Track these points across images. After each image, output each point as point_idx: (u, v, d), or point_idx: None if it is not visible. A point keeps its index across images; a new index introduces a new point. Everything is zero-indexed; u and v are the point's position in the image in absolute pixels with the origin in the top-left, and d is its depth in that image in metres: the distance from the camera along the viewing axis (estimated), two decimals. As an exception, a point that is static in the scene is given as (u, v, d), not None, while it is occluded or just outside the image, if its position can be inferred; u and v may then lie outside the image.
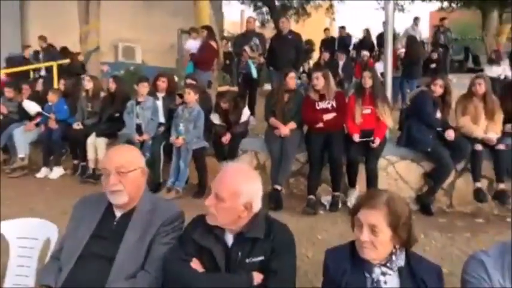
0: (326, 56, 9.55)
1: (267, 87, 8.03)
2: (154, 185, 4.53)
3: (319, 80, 4.14)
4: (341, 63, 8.99)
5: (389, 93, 4.52)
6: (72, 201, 4.28)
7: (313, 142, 4.14)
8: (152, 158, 4.55)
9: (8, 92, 5.88)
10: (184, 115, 4.53)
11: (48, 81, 6.05)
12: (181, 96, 4.86)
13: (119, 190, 1.62)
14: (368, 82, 4.12)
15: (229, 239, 1.52)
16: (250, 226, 1.51)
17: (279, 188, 4.11)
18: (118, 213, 1.70)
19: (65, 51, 9.79)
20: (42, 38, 8.94)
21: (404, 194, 4.19)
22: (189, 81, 4.99)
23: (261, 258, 1.46)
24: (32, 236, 2.04)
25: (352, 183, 4.15)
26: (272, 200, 4.02)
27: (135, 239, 1.62)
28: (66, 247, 1.67)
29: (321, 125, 4.17)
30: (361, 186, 4.17)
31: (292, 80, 4.49)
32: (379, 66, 8.90)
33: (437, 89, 4.07)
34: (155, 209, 1.70)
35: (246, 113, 4.75)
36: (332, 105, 4.17)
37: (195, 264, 1.47)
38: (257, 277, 1.42)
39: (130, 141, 4.63)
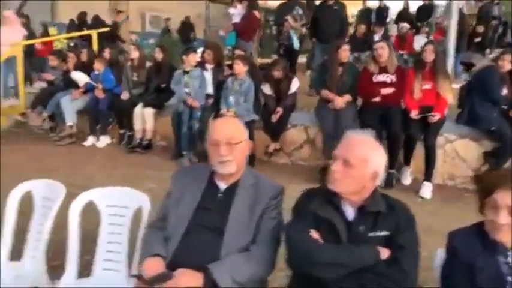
0: (362, 28, 9.18)
1: (301, 59, 7.82)
2: (204, 155, 4.55)
3: (384, 51, 3.98)
4: (377, 36, 8.63)
5: (450, 68, 4.32)
6: (125, 170, 4.35)
7: (369, 117, 4.03)
8: (201, 129, 4.53)
9: (52, 60, 5.90)
10: (235, 87, 4.46)
11: (90, 51, 6.01)
12: (230, 67, 4.76)
13: (229, 160, 1.59)
14: (430, 56, 3.93)
15: (349, 211, 1.48)
16: (371, 200, 1.46)
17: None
18: (222, 186, 1.67)
19: (97, 20, 9.77)
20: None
21: (461, 173, 4.10)
22: (238, 52, 4.88)
23: (385, 233, 1.41)
24: (122, 204, 2.05)
25: (408, 161, 4.06)
26: (324, 175, 3.97)
27: (243, 212, 1.60)
28: (172, 218, 1.66)
29: (377, 99, 4.04)
30: (416, 163, 4.08)
31: (345, 52, 4.33)
32: (418, 40, 8.57)
33: (505, 65, 3.87)
34: (258, 183, 1.68)
35: (295, 83, 4.63)
36: (392, 80, 4.02)
37: (316, 236, 1.44)
38: (384, 252, 1.38)
39: (179, 113, 4.62)
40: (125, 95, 5.11)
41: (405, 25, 9.46)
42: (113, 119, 5.30)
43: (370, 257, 1.37)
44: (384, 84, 4.05)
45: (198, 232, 1.59)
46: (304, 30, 6.42)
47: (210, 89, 4.81)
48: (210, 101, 4.75)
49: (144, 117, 4.89)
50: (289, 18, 6.28)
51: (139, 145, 4.90)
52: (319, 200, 1.50)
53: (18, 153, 4.75)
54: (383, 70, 4.04)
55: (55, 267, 2.21)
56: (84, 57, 5.66)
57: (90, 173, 4.14)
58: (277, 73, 4.46)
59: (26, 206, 2.21)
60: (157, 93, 5.04)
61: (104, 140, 5.18)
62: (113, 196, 2.07)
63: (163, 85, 5.01)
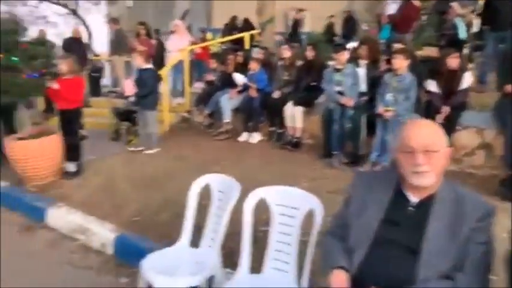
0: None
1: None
2: (353, 156, 4.34)
3: None
4: None
5: None
6: (279, 167, 4.32)
7: None
8: (353, 129, 4.33)
9: (212, 63, 6.49)
10: (393, 84, 4.10)
11: (246, 52, 6.41)
12: (388, 61, 4.41)
13: (426, 171, 1.38)
14: None
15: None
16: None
17: (517, 173, 3.36)
18: (413, 198, 1.47)
19: (247, 23, 10.42)
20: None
21: None
22: (397, 45, 4.49)
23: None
24: (292, 205, 2.04)
25: None
26: (508, 188, 3.31)
27: (442, 232, 1.37)
28: (354, 229, 1.54)
29: None
30: None
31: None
32: None
33: None
34: (460, 198, 1.42)
35: (468, 78, 3.99)
36: None
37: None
38: None
39: (329, 110, 4.51)
40: (276, 94, 5.25)
41: None
42: (265, 117, 5.52)
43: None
44: None
45: (387, 248, 1.43)
46: (473, 16, 5.54)
47: (363, 87, 4.55)
48: (363, 99, 4.49)
49: (294, 116, 4.94)
50: (454, 4, 5.50)
51: (289, 142, 4.98)
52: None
53: (184, 146, 5.36)
54: None
55: (228, 257, 2.37)
56: (240, 59, 6.04)
57: (247, 166, 4.36)
58: (454, 63, 3.89)
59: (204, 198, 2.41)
60: (307, 92, 5.03)
61: (256, 137, 5.44)
62: (285, 196, 2.07)
63: (313, 83, 4.97)
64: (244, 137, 5.50)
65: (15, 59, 4.09)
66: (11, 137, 4.30)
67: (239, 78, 5.73)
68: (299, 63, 5.41)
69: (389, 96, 4.09)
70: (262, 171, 4.13)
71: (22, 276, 2.70)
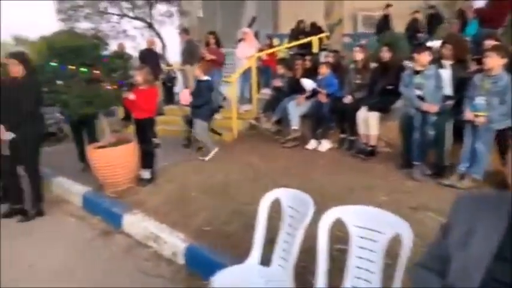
0: None
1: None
2: (437, 168, 3.92)
3: None
4: None
5: None
6: (351, 178, 4.02)
7: None
8: (436, 136, 3.92)
9: (280, 69, 6.40)
10: (485, 86, 3.63)
11: (314, 57, 6.21)
12: (479, 61, 3.93)
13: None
14: None
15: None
16: None
17: None
18: (537, 231, 1.18)
19: (314, 27, 10.20)
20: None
21: None
22: (489, 42, 3.98)
23: None
24: (375, 228, 1.82)
25: None
26: None
27: None
28: (455, 263, 1.29)
29: None
30: None
31: None
32: None
33: None
34: None
35: None
36: None
37: None
38: None
39: (409, 116, 4.13)
40: (347, 99, 4.98)
41: None
42: (335, 123, 5.27)
43: None
44: None
45: (499, 291, 1.17)
46: None
47: (448, 90, 4.11)
48: (449, 103, 4.05)
49: (367, 122, 4.63)
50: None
51: (362, 151, 4.67)
52: None
53: (252, 153, 5.31)
54: None
55: (299, 274, 2.21)
56: (308, 63, 5.86)
57: (316, 176, 4.17)
58: None
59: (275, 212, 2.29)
60: (383, 96, 4.69)
61: (325, 144, 5.21)
62: (366, 217, 1.86)
63: (389, 87, 4.62)
64: (312, 144, 5.30)
65: (98, 72, 4.35)
66: (93, 145, 4.60)
67: (308, 83, 5.55)
68: (373, 65, 5.08)
69: (480, 100, 3.62)
70: (332, 182, 3.91)
71: (98, 280, 2.80)
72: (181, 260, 2.99)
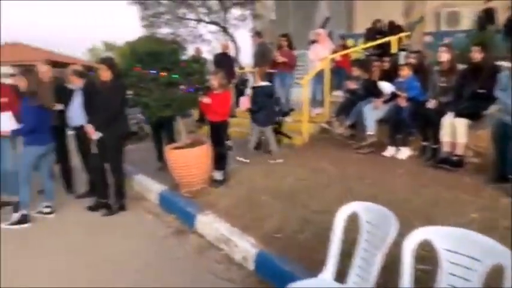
0: None
1: None
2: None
3: None
4: None
5: None
6: (434, 190, 3.64)
7: None
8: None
9: (355, 71, 6.13)
10: None
11: (393, 58, 5.86)
12: None
13: None
14: None
15: None
16: None
17: None
18: None
19: (392, 26, 9.65)
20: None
21: None
22: None
23: None
24: (471, 254, 1.60)
25: None
26: None
27: None
28: None
29: None
30: None
31: None
32: None
33: None
34: None
35: None
36: None
37: None
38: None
39: (504, 124, 3.67)
40: (431, 103, 4.59)
41: None
42: (416, 130, 4.90)
43: None
44: None
45: None
46: None
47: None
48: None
49: (454, 129, 4.22)
50: None
51: (446, 161, 4.27)
52: None
53: (324, 158, 5.15)
54: None
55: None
56: (386, 65, 5.53)
57: (394, 187, 3.90)
58: None
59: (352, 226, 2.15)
60: (473, 101, 4.24)
61: (405, 152, 4.87)
62: (460, 242, 1.64)
63: (481, 91, 4.16)
64: (390, 151, 4.98)
65: (176, 76, 4.54)
66: (170, 146, 4.81)
67: (386, 86, 5.24)
68: (460, 66, 4.62)
69: None
70: (414, 194, 3.61)
71: (170, 279, 2.89)
72: (251, 266, 2.97)
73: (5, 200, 4.51)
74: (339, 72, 8.25)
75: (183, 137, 4.77)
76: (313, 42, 7.98)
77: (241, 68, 11.39)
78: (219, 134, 4.71)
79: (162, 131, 5.53)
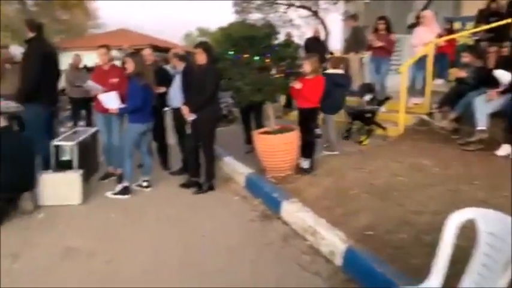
0: None
1: None
2: None
3: None
4: None
5: None
6: None
7: None
8: None
9: (465, 57, 5.45)
10: None
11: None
12: None
13: None
14: None
15: None
16: None
17: None
18: None
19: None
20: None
21: None
22: None
23: None
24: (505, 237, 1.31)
25: None
26: None
27: None
28: None
29: None
30: None
31: None
32: None
33: None
34: None
35: None
36: None
37: None
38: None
39: None
40: None
41: None
42: (540, 127, 4.19)
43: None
44: None
45: None
46: None
47: None
48: None
49: None
50: None
51: None
52: None
53: (422, 154, 4.69)
54: None
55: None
56: (506, 51, 4.80)
57: (509, 192, 3.38)
58: None
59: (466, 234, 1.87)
60: None
61: (522, 152, 4.21)
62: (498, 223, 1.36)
63: None
64: (505, 150, 4.34)
65: (268, 60, 4.49)
66: (259, 131, 4.82)
67: (504, 75, 4.55)
68: None
69: None
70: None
71: (254, 264, 2.89)
72: (338, 261, 2.82)
73: (111, 172, 4.99)
74: (441, 59, 7.44)
75: (272, 122, 4.73)
76: (412, 26, 7.30)
77: (331, 53, 10.97)
78: (308, 121, 4.57)
79: (251, 115, 5.58)
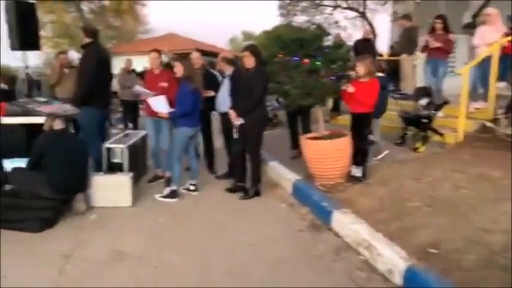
0: None
1: None
2: None
3: None
4: None
5: None
6: None
7: None
8: None
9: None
10: None
11: None
12: None
13: None
14: None
15: None
16: None
17: None
18: None
19: None
20: None
21: None
22: None
23: None
24: None
25: None
26: None
27: None
28: None
29: None
30: None
31: None
32: None
33: None
34: None
35: None
36: None
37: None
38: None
39: None
40: None
41: None
42: None
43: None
44: None
45: None
46: None
47: None
48: None
49: None
50: None
51: None
52: None
53: (486, 163, 4.30)
54: None
55: None
56: None
57: None
58: None
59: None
60: None
61: None
62: None
63: None
64: None
65: (319, 63, 4.32)
66: (307, 136, 4.65)
67: None
68: None
69: None
70: None
71: (303, 276, 2.72)
72: (398, 281, 2.59)
73: (159, 175, 5.03)
74: (504, 60, 6.85)
75: (321, 126, 4.54)
76: (469, 25, 6.79)
77: (381, 55, 10.53)
78: (361, 127, 4.34)
79: (298, 119, 5.42)
